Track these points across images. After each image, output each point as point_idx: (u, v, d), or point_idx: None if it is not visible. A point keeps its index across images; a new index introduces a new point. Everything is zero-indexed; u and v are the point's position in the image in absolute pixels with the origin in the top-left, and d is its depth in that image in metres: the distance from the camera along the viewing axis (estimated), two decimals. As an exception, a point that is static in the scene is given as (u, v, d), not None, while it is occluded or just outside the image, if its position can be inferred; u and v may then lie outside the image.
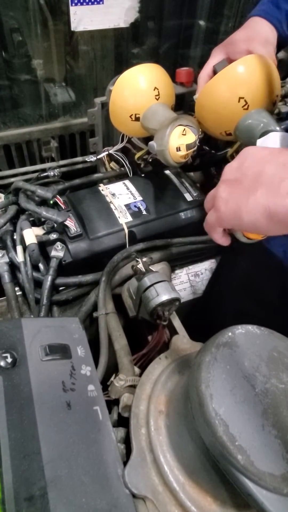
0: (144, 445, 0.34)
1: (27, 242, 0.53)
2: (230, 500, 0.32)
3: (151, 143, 0.53)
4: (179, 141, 0.49)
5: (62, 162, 0.82)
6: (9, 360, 0.34)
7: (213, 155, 0.72)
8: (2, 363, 0.34)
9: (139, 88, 0.59)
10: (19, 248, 0.55)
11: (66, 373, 0.36)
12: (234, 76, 0.53)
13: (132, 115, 0.60)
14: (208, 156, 0.73)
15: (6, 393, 0.32)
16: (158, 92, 0.59)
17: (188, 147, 0.49)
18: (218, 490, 0.32)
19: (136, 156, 0.71)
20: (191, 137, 0.50)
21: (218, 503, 0.32)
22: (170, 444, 0.33)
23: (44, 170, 0.80)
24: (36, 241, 0.53)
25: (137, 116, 0.60)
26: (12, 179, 0.79)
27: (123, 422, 0.39)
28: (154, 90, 0.59)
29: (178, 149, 0.50)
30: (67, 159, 0.82)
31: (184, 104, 0.73)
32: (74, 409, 0.34)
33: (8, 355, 0.34)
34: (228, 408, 0.28)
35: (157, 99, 0.59)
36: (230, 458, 0.27)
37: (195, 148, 0.50)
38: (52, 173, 0.78)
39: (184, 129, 0.50)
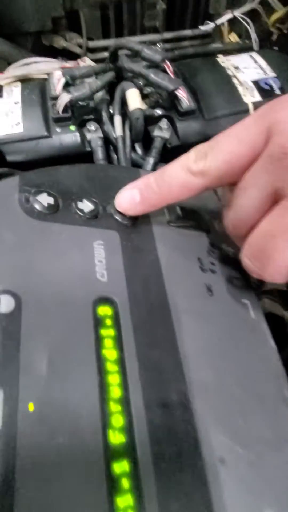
0: None
1: (131, 107, 0.41)
2: None
3: None
4: None
5: (167, 35, 0.66)
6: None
7: None
8: (118, 217, 0.24)
9: None
10: (117, 119, 0.43)
11: (203, 249, 0.26)
12: None
13: None
14: None
15: (124, 254, 0.23)
16: None
17: None
18: None
19: (272, 20, 0.53)
20: None
21: None
22: None
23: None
24: (142, 107, 0.41)
25: None
26: (105, 53, 0.65)
27: None
28: None
29: None
30: (174, 31, 0.66)
31: None
32: (216, 296, 0.24)
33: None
34: None
35: None
36: None
37: None
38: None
39: None
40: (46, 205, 0.23)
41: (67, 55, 0.65)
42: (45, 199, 0.24)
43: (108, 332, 0.19)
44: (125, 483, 0.16)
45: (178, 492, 0.16)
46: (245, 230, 0.22)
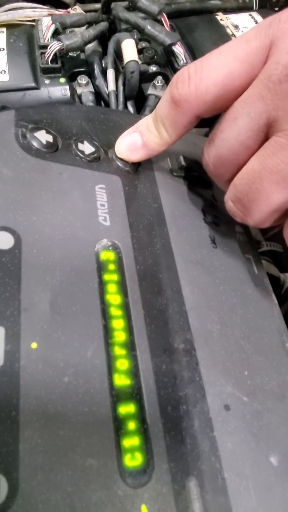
0: None
1: (127, 58, 0.38)
2: None
3: None
4: None
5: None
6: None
7: None
8: (120, 163, 0.23)
9: None
10: (110, 73, 0.41)
11: (207, 202, 0.25)
12: None
13: None
14: None
15: (127, 200, 0.22)
16: None
17: None
18: None
19: (274, -22, 0.51)
20: None
21: None
22: None
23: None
24: (138, 59, 0.39)
25: None
26: (96, 5, 0.61)
27: None
28: None
29: None
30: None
31: None
32: (220, 248, 0.23)
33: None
34: None
35: None
36: None
37: None
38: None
39: None
40: (44, 142, 0.22)
41: (55, 4, 0.61)
42: (43, 136, 0.22)
43: (111, 277, 0.19)
44: (132, 424, 0.16)
45: (184, 436, 0.16)
46: (229, 170, 0.19)
